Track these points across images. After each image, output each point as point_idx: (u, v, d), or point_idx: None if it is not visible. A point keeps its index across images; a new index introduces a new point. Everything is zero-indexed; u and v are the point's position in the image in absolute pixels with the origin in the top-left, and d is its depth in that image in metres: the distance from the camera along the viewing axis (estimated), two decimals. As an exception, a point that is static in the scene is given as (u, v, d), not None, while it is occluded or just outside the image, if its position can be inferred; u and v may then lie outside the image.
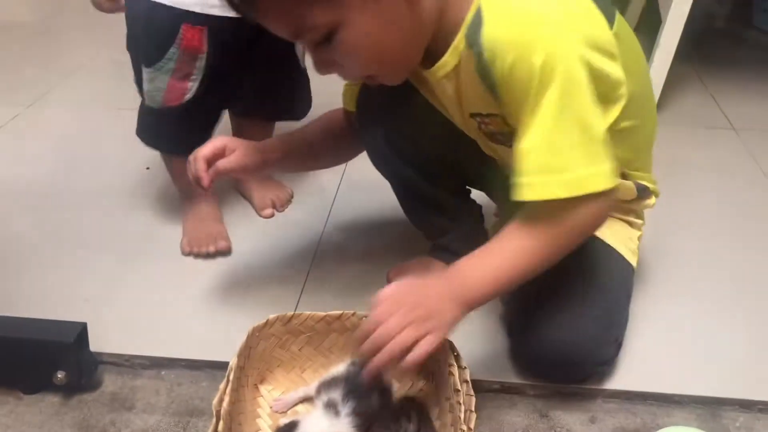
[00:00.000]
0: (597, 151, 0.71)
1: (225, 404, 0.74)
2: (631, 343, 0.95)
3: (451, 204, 1.05)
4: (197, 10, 1.01)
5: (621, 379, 0.90)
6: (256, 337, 0.85)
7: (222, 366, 0.81)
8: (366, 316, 0.82)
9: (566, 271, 0.81)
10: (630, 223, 0.97)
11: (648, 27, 1.59)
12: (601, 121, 0.72)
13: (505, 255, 0.75)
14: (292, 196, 1.31)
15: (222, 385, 0.76)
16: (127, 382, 0.92)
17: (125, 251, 1.16)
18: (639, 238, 0.98)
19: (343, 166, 1.33)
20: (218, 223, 1.20)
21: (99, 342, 0.93)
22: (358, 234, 1.21)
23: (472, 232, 1.06)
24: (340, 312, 0.86)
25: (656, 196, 0.96)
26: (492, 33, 0.70)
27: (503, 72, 0.70)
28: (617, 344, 0.91)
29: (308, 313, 0.87)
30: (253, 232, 1.21)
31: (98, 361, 0.93)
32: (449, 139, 0.94)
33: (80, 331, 0.88)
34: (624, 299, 0.93)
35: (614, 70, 0.73)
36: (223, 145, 0.93)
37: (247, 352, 0.83)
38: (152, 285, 1.09)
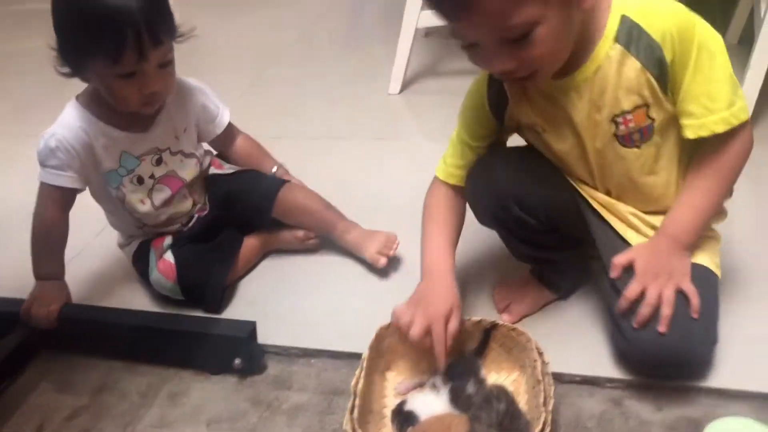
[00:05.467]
0: (737, 93, 0.95)
1: (360, 385, 0.96)
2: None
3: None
4: None
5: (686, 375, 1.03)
6: (383, 334, 1.06)
7: (357, 356, 1.01)
8: (481, 320, 1.05)
9: None
10: (712, 237, 1.09)
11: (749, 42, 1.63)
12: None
13: (694, 203, 1.01)
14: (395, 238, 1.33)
15: (357, 371, 0.98)
16: (286, 367, 1.15)
17: (278, 267, 1.41)
18: (719, 250, 1.09)
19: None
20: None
21: (263, 336, 1.17)
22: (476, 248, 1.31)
23: (570, 269, 1.19)
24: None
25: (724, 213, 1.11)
26: (657, 28, 0.92)
27: (674, 53, 0.93)
28: (714, 345, 1.03)
29: (422, 317, 1.08)
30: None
31: (264, 351, 1.17)
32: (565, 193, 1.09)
33: (251, 328, 1.14)
34: (714, 306, 1.04)
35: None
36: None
37: (376, 345, 1.05)
38: (300, 289, 1.32)
